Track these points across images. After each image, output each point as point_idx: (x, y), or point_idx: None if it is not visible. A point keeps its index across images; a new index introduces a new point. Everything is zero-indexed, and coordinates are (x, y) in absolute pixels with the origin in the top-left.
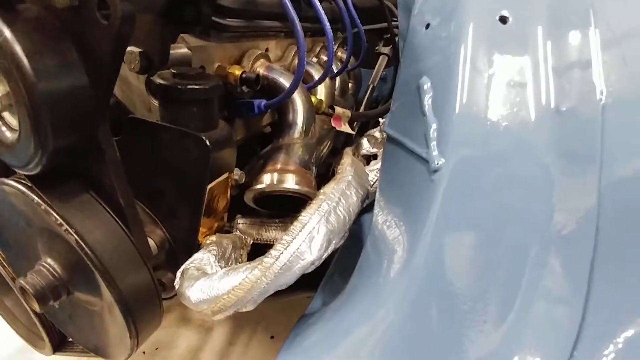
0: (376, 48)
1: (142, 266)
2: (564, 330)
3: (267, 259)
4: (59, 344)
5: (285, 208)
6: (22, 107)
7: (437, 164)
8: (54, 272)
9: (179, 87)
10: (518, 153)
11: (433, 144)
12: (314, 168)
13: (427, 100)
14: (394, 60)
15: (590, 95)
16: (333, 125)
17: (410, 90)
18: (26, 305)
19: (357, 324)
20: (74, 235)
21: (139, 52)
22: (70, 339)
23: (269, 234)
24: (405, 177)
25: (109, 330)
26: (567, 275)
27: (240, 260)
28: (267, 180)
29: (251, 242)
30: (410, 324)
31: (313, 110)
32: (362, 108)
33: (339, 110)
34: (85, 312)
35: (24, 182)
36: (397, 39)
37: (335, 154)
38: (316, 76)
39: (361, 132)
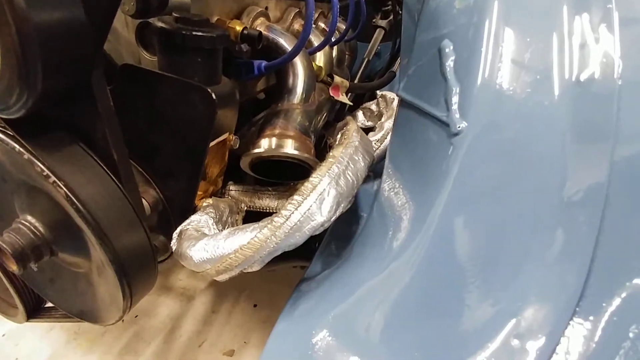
0: (373, 20)
1: (137, 225)
2: (569, 288)
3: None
4: (34, 310)
5: (279, 176)
6: (8, 40)
7: (459, 127)
8: (36, 231)
9: (184, 32)
10: (538, 123)
11: (454, 107)
12: (312, 136)
13: (449, 64)
14: (392, 34)
15: (608, 68)
16: (331, 94)
17: (429, 53)
18: None
19: (364, 282)
20: (63, 188)
21: None
22: (47, 305)
23: (262, 202)
24: (419, 142)
25: (97, 292)
26: (575, 238)
27: (236, 225)
28: (265, 144)
29: (245, 208)
30: (420, 283)
31: (314, 76)
32: (356, 81)
33: (337, 79)
34: (69, 275)
35: (4, 130)
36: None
37: (327, 127)
38: (315, 42)
39: (352, 108)
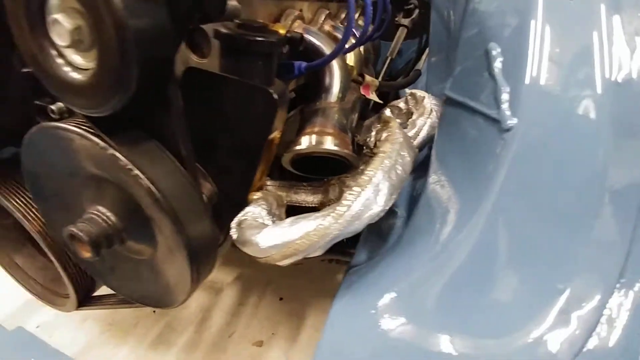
0: (396, 19)
1: (204, 215)
2: (613, 262)
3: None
4: (84, 299)
5: (317, 173)
6: (107, 44)
7: (510, 123)
8: (108, 220)
9: (248, 38)
10: (582, 119)
11: (505, 105)
12: (349, 133)
13: (497, 65)
14: (414, 33)
15: None
16: (362, 93)
17: (476, 54)
18: (55, 259)
19: (414, 269)
20: (146, 181)
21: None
22: (94, 294)
23: (299, 197)
24: (467, 138)
25: (160, 278)
26: (617, 221)
27: (281, 217)
28: (306, 142)
29: (285, 202)
30: (473, 266)
31: (349, 76)
32: (379, 80)
33: (368, 78)
34: (131, 262)
35: (85, 127)
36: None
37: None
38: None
39: (375, 106)
